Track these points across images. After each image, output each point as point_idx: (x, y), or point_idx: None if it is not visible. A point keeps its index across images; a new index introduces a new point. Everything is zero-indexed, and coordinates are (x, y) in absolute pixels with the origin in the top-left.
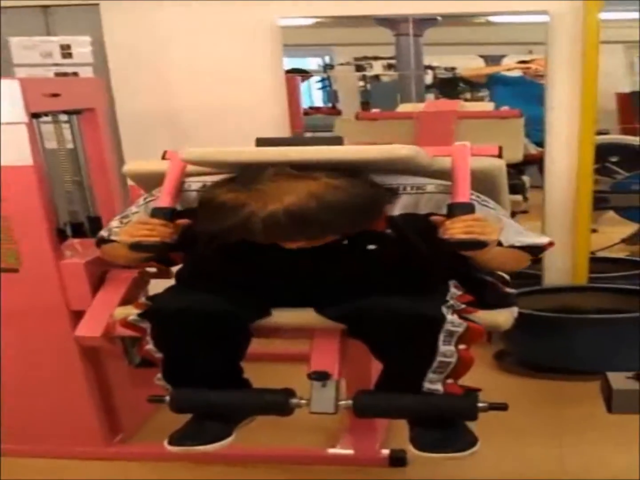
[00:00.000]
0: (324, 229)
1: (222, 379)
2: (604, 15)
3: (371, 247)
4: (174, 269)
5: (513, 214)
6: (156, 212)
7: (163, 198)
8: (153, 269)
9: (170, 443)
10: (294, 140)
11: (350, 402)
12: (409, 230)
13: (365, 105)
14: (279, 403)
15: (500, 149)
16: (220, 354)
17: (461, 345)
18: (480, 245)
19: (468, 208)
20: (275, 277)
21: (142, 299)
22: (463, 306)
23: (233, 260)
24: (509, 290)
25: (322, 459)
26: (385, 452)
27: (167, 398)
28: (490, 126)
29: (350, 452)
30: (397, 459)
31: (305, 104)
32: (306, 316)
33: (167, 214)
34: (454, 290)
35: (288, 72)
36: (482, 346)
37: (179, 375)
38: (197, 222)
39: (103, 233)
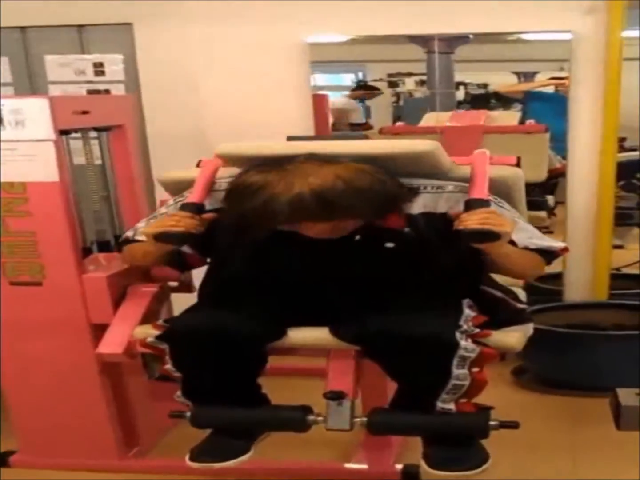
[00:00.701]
0: (349, 211)
1: (240, 397)
2: (628, 33)
3: (389, 245)
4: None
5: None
6: (184, 207)
7: (193, 195)
8: (174, 284)
9: (191, 459)
10: (322, 138)
11: (365, 419)
12: (428, 230)
13: (398, 120)
14: (297, 420)
15: (519, 159)
16: (238, 375)
17: (474, 368)
18: (494, 235)
19: (484, 203)
20: (293, 278)
21: (160, 321)
22: (477, 330)
23: (252, 264)
24: (521, 306)
25: (337, 473)
26: (399, 467)
27: (188, 414)
28: (515, 141)
29: (364, 466)
30: (411, 474)
31: None
32: (321, 337)
33: (194, 209)
34: (467, 312)
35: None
36: (500, 363)
37: (198, 393)
38: (225, 205)
39: (128, 233)
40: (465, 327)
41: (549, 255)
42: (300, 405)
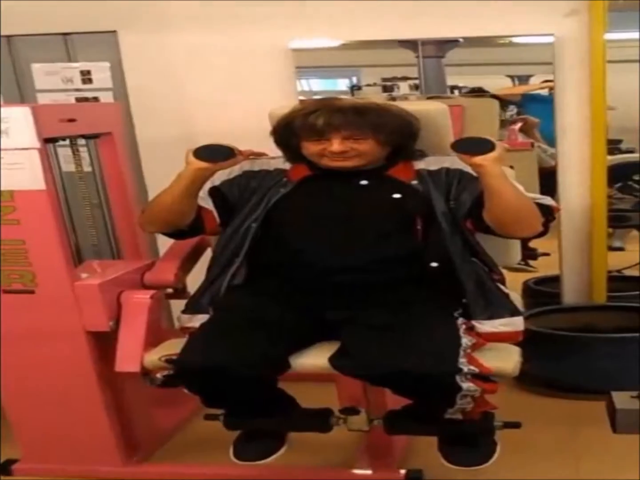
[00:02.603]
0: (378, 130)
1: (266, 406)
2: (610, 36)
3: (396, 195)
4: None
5: None
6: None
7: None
8: (169, 290)
9: (235, 456)
10: None
11: (380, 421)
12: (433, 183)
13: None
14: (321, 422)
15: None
16: (253, 400)
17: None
18: (487, 143)
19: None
20: (305, 219)
21: (167, 355)
22: (477, 370)
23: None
24: (504, 289)
25: (340, 478)
26: (403, 472)
27: (222, 417)
28: None
29: (368, 472)
30: (414, 479)
31: None
32: (324, 366)
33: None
34: (465, 342)
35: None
36: None
37: (225, 411)
38: (273, 135)
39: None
40: (465, 369)
41: (545, 208)
42: (323, 408)
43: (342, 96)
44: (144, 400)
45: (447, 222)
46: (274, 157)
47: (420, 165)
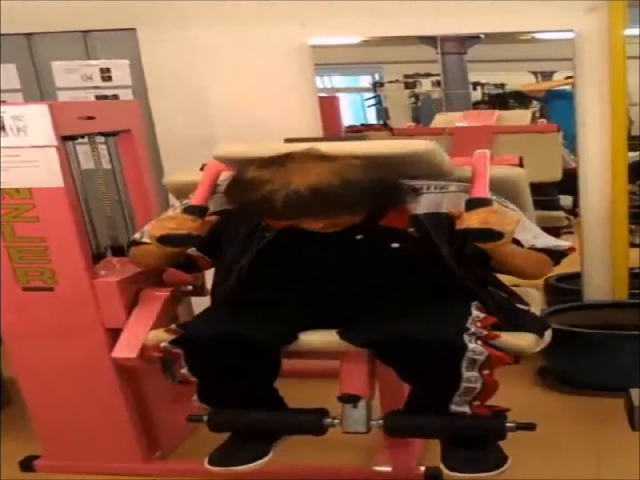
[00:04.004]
0: (345, 206)
1: (256, 400)
2: (630, 32)
3: (395, 245)
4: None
5: (555, 230)
6: (187, 209)
7: (195, 197)
8: (188, 287)
9: (210, 463)
10: (321, 140)
11: (381, 422)
12: (432, 229)
13: (416, 121)
14: (313, 423)
15: (521, 159)
16: (253, 379)
17: (485, 370)
18: (495, 234)
19: (485, 202)
20: (302, 278)
21: (173, 325)
22: (485, 332)
23: (261, 262)
24: (525, 308)
25: (362, 475)
26: (422, 468)
27: (205, 418)
28: (527, 141)
29: (388, 469)
30: (434, 476)
31: (358, 121)
32: (332, 340)
33: (197, 211)
34: (476, 314)
35: None
36: (524, 363)
37: (214, 398)
38: (226, 198)
39: (136, 236)
40: (472, 329)
41: (556, 254)
42: (317, 408)
43: (295, 148)
44: (164, 396)
45: (454, 261)
46: None
47: (416, 209)
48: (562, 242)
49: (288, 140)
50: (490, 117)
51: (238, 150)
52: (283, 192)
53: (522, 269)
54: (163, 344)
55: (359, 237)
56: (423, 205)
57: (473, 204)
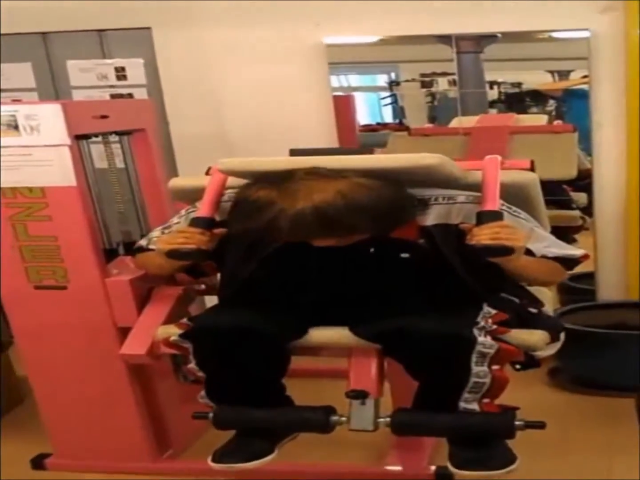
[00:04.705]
0: (350, 228)
1: (264, 397)
2: None
3: (405, 255)
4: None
5: (569, 230)
6: (195, 222)
7: (202, 209)
8: (201, 286)
9: (213, 460)
10: (326, 151)
11: (388, 419)
12: (441, 241)
13: (433, 120)
14: (319, 421)
15: (532, 162)
16: (261, 373)
17: (494, 365)
18: (507, 250)
19: (496, 215)
20: (310, 289)
21: (184, 320)
22: (494, 327)
23: (267, 272)
24: (541, 310)
25: (371, 475)
26: (433, 468)
27: (211, 415)
28: (543, 141)
29: (398, 468)
30: (444, 475)
31: (374, 120)
32: (342, 335)
33: (205, 223)
34: (487, 310)
35: None
36: None
37: (222, 393)
38: (230, 221)
39: (142, 242)
40: (483, 323)
41: (569, 262)
42: (324, 405)
43: (300, 165)
44: (175, 396)
45: (465, 270)
46: None
47: (425, 221)
48: (575, 251)
49: (293, 152)
50: (507, 122)
51: (242, 163)
52: (288, 215)
53: (534, 277)
54: (173, 338)
55: (371, 250)
56: (432, 216)
57: (483, 217)
